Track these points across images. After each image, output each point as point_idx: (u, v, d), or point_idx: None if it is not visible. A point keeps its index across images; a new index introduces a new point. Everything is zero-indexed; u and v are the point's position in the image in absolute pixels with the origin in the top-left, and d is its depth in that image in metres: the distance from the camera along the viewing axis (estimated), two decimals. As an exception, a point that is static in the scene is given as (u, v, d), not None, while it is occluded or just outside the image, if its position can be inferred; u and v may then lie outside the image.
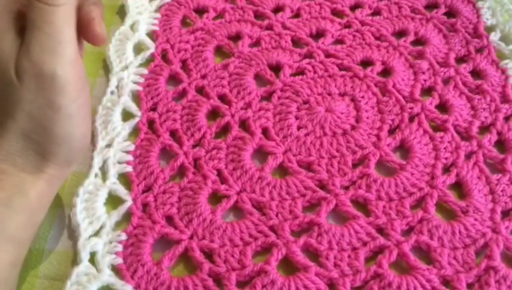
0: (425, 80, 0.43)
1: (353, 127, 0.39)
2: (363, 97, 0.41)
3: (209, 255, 0.33)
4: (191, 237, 0.33)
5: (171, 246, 0.33)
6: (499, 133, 0.39)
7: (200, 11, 0.49)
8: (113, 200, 0.35)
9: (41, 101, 0.29)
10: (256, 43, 0.46)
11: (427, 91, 0.42)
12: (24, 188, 0.29)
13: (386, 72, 0.44)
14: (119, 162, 0.37)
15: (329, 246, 0.33)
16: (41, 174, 0.30)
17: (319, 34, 0.47)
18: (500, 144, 0.39)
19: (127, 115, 0.40)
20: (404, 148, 0.39)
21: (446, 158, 0.37)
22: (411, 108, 0.40)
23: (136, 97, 0.41)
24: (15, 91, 0.28)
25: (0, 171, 0.29)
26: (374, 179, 0.36)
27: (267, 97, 0.42)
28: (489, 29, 0.47)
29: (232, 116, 0.40)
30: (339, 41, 0.46)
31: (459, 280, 0.32)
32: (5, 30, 0.29)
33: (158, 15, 0.48)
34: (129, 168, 0.37)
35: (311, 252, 0.33)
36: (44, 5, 0.28)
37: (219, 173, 0.37)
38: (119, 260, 0.32)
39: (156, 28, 0.46)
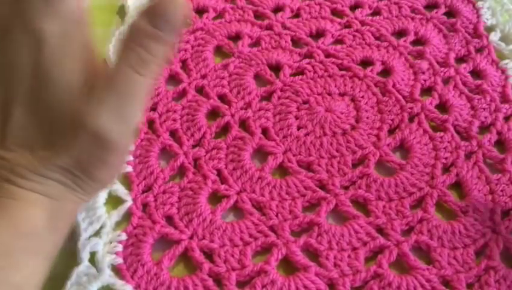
0: (425, 80, 0.43)
1: (353, 127, 0.39)
2: (363, 97, 0.41)
3: (209, 255, 0.33)
4: (191, 237, 0.33)
5: (171, 246, 0.33)
6: (499, 133, 0.39)
7: (200, 11, 0.49)
8: (113, 200, 0.35)
9: (92, 155, 0.27)
10: (256, 43, 0.46)
11: (427, 91, 0.42)
12: (60, 210, 0.28)
13: (386, 72, 0.44)
14: (119, 162, 0.37)
15: (329, 246, 0.33)
16: (73, 198, 0.28)
17: (319, 34, 0.47)
18: (500, 144, 0.39)
19: (127, 115, 0.40)
20: (404, 148, 0.39)
21: (446, 158, 0.38)
22: (411, 108, 0.40)
23: (136, 97, 0.41)
24: (66, 135, 0.27)
25: (41, 193, 0.27)
26: (373, 179, 0.36)
27: (267, 97, 0.42)
28: (489, 29, 0.47)
29: (232, 116, 0.40)
30: (339, 41, 0.46)
31: (459, 279, 0.32)
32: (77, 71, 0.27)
33: (158, 15, 0.48)
34: (129, 168, 0.37)
35: (311, 252, 0.33)
36: (134, 73, 0.26)
37: (219, 173, 0.37)
38: (119, 260, 0.32)
39: (156, 28, 0.46)
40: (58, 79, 0.26)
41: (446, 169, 0.37)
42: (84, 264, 0.32)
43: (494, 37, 0.46)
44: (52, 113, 0.27)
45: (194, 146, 0.38)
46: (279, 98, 0.41)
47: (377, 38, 0.46)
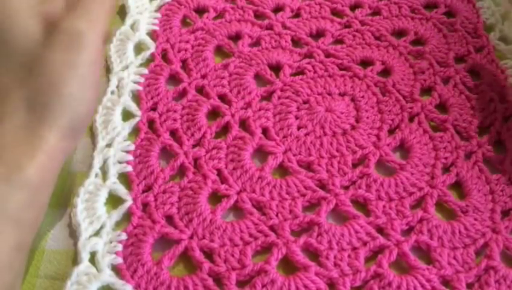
0: (425, 80, 0.43)
1: (353, 127, 0.39)
2: (363, 97, 0.41)
3: (209, 254, 0.33)
4: (191, 237, 0.33)
5: (171, 245, 0.33)
6: (499, 133, 0.39)
7: (200, 10, 0.49)
8: (113, 200, 0.35)
9: (60, 59, 0.28)
10: (257, 42, 0.46)
11: (427, 91, 0.42)
12: (22, 162, 0.27)
13: (386, 71, 0.44)
14: (120, 162, 0.37)
15: (329, 245, 0.33)
16: (41, 145, 0.28)
17: (319, 34, 0.47)
18: (500, 144, 0.39)
19: (127, 115, 0.40)
20: (404, 148, 0.39)
21: (446, 158, 0.38)
22: (411, 108, 0.40)
23: (136, 97, 0.41)
24: (32, 45, 0.29)
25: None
26: (373, 178, 0.36)
27: (267, 97, 0.42)
28: (489, 29, 0.47)
29: (232, 116, 0.40)
30: (339, 41, 0.46)
31: (459, 279, 0.32)
32: None
33: (158, 15, 0.48)
34: (129, 168, 0.37)
35: (311, 252, 0.33)
36: None
37: (219, 172, 0.37)
38: (119, 260, 0.32)
39: (156, 27, 0.46)
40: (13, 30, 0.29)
41: (446, 169, 0.37)
42: (85, 264, 0.32)
43: (494, 36, 0.46)
44: (13, 57, 0.29)
45: (194, 146, 0.38)
46: (279, 97, 0.41)
47: (377, 38, 0.46)
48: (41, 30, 0.30)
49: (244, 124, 0.40)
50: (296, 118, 0.40)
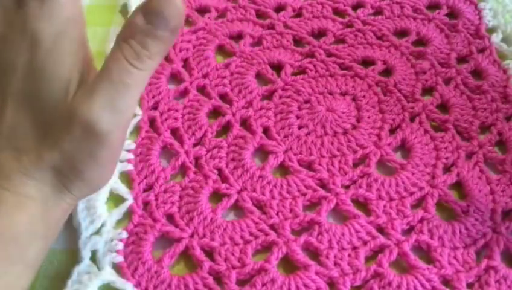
0: (426, 80, 0.43)
1: (354, 127, 0.39)
2: (364, 96, 0.41)
3: (209, 253, 0.33)
4: (191, 236, 0.34)
5: (171, 244, 0.33)
6: (500, 134, 0.39)
7: (202, 10, 0.49)
8: (114, 199, 0.35)
9: (82, 149, 0.27)
10: (258, 42, 0.46)
11: (428, 91, 0.42)
12: (46, 215, 0.28)
13: (388, 71, 0.44)
14: (121, 161, 0.37)
15: (329, 245, 0.33)
16: (61, 203, 0.29)
17: (320, 33, 0.47)
18: (501, 144, 0.39)
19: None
20: (405, 148, 0.39)
21: (447, 158, 0.37)
22: (412, 108, 0.40)
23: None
24: (57, 129, 0.27)
25: (27, 196, 0.27)
26: (374, 178, 0.36)
27: (269, 96, 0.42)
28: (491, 30, 0.47)
29: (233, 115, 0.40)
30: (341, 40, 0.46)
31: (459, 279, 0.32)
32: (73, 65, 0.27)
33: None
34: (130, 167, 0.37)
35: (312, 251, 0.33)
36: (128, 64, 0.26)
37: (220, 171, 0.37)
38: (120, 258, 0.32)
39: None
40: (53, 77, 0.26)
41: (447, 169, 0.37)
42: (85, 263, 0.32)
43: (496, 38, 0.46)
44: (46, 112, 0.27)
45: (195, 145, 0.38)
46: (280, 97, 0.41)
47: (378, 38, 0.46)
48: (70, 94, 0.27)
49: (245, 124, 0.40)
50: (297, 117, 0.40)
